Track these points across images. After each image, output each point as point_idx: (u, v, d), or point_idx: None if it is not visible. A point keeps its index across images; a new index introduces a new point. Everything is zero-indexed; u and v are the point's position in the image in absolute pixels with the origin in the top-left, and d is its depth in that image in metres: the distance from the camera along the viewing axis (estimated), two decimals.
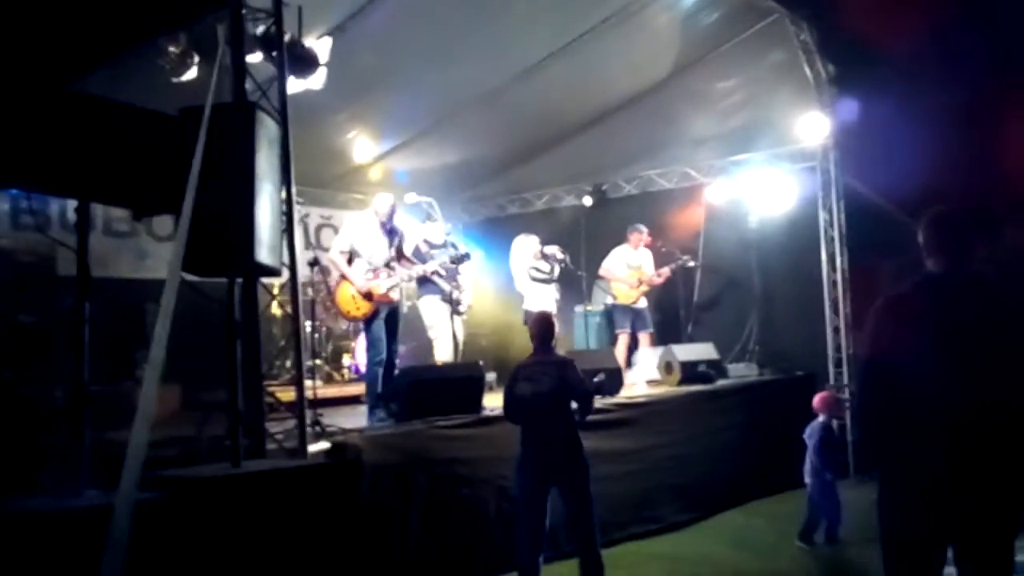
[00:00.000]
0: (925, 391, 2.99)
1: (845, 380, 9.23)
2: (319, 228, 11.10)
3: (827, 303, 9.43)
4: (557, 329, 5.70)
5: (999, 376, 2.95)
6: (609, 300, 9.50)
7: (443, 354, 7.66)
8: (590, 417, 6.40)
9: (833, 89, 9.29)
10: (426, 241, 7.86)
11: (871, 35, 9.23)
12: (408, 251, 7.43)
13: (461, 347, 7.90)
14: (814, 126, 9.40)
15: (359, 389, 8.91)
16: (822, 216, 9.55)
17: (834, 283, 9.44)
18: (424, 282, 7.69)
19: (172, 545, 3.67)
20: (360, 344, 9.55)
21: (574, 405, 5.20)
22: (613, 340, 9.38)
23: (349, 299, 6.83)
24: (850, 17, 9.11)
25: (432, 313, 7.76)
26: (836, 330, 9.37)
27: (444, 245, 7.73)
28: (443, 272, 7.57)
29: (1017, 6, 8.83)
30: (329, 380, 9.16)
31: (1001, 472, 2.96)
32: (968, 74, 8.86)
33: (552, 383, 5.09)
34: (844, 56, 9.26)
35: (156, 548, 3.46)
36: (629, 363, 9.00)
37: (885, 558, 3.17)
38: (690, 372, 8.44)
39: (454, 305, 7.58)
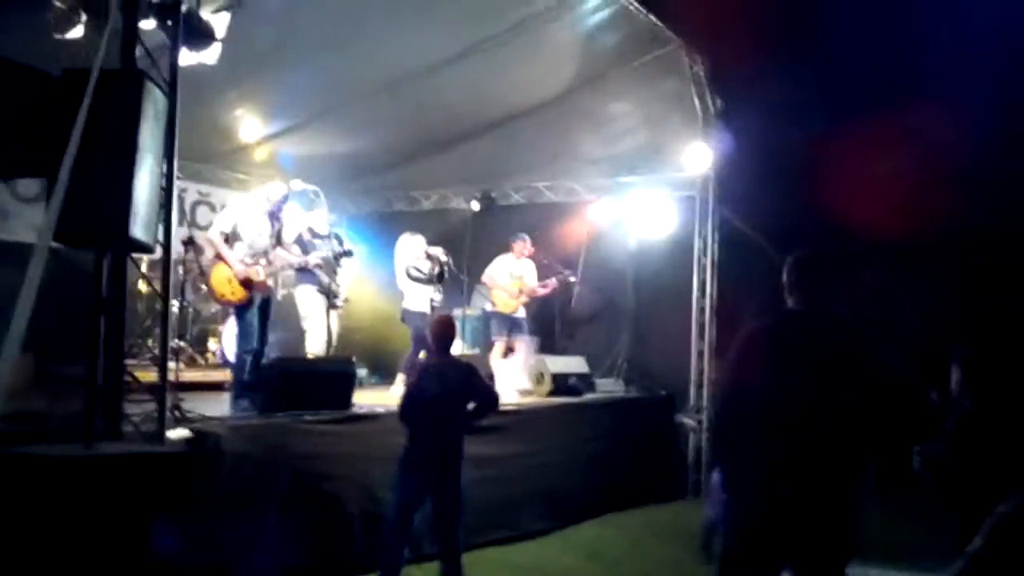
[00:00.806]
0: (770, 419, 3.19)
1: (704, 403, 9.59)
2: (196, 204, 10.74)
3: (694, 328, 9.78)
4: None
5: (839, 409, 3.15)
6: (488, 306, 9.56)
7: (315, 346, 7.53)
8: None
9: (718, 122, 9.66)
10: (310, 230, 7.72)
11: (755, 74, 9.67)
12: (290, 238, 7.27)
13: (335, 341, 7.80)
14: (697, 156, 9.74)
15: (223, 375, 8.64)
16: (697, 244, 9.91)
17: (702, 309, 9.80)
18: (302, 271, 7.54)
19: (12, 526, 3.47)
20: (228, 329, 9.28)
21: (469, 406, 5.24)
22: (489, 346, 9.45)
23: (224, 282, 6.62)
24: (739, 55, 9.52)
25: (308, 304, 7.61)
26: (700, 354, 9.72)
27: (328, 236, 7.62)
28: (323, 263, 7.45)
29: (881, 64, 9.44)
30: (192, 363, 8.87)
31: (835, 497, 3.17)
32: (832, 115, 9.40)
33: (455, 387, 5.14)
34: (731, 92, 9.66)
35: None
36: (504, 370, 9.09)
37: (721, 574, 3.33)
38: (561, 384, 8.60)
39: (331, 298, 7.49)
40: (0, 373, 2.33)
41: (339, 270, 7.69)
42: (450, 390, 5.12)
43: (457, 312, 9.48)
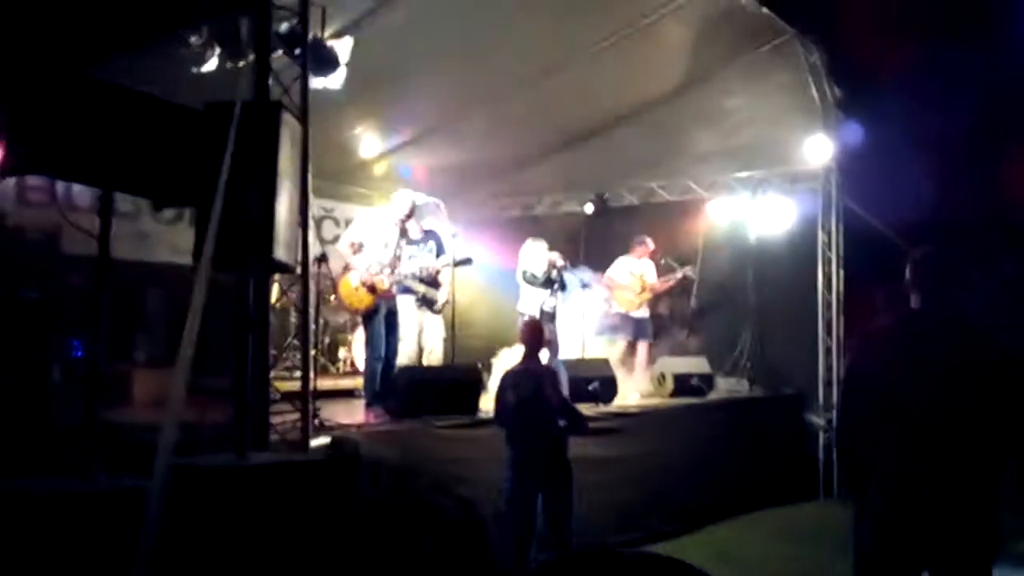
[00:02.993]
0: (892, 423, 3.12)
1: (834, 401, 9.34)
2: (321, 219, 11.14)
3: (820, 324, 9.54)
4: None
5: (963, 411, 3.05)
6: (610, 308, 9.57)
7: (404, 357, 7.42)
8: None
9: (838, 112, 9.40)
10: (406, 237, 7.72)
11: (878, 61, 9.38)
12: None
13: (439, 348, 7.84)
14: (818, 148, 9.50)
15: (354, 383, 8.98)
16: (821, 238, 9.66)
17: (828, 304, 9.56)
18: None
19: (178, 533, 3.73)
20: (358, 338, 9.62)
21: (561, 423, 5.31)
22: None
23: (352, 291, 6.89)
24: (859, 42, 9.25)
25: (403, 315, 7.43)
26: (828, 351, 9.48)
27: (421, 240, 7.59)
28: (420, 272, 7.45)
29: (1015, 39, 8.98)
30: (324, 372, 9.22)
31: (973, 498, 3.06)
32: (969, 103, 9.01)
33: (529, 392, 5.23)
34: (851, 80, 9.39)
35: (163, 535, 3.52)
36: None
37: None
38: (682, 385, 8.55)
39: (429, 304, 7.54)
40: (174, 392, 2.53)
41: (439, 275, 7.64)
42: (526, 395, 5.21)
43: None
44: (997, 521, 3.10)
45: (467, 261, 7.63)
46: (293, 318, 8.94)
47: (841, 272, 9.53)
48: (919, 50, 9.08)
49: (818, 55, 9.09)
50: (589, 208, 11.06)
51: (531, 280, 8.63)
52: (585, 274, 9.03)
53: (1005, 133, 8.49)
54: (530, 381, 5.27)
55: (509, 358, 8.07)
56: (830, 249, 9.61)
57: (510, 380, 5.36)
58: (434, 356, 7.80)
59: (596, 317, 9.45)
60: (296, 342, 8.11)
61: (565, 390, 5.53)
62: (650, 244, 9.64)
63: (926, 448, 3.07)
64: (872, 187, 9.22)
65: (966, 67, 9.16)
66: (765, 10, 8.16)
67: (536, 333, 5.54)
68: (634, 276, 9.49)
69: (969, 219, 8.67)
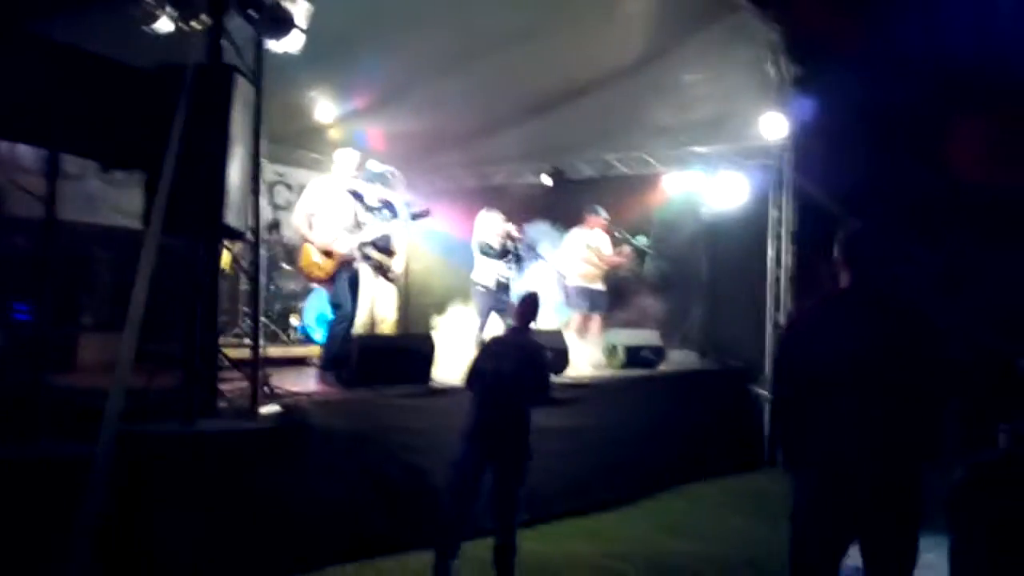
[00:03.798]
0: (828, 400, 3.20)
1: None
2: (273, 184, 10.97)
3: (769, 299, 9.70)
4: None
5: (890, 385, 3.15)
6: (567, 279, 9.61)
7: (357, 327, 7.39)
8: None
9: (794, 90, 9.50)
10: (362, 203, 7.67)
11: (832, 38, 9.47)
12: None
13: (393, 315, 7.79)
14: (773, 125, 9.61)
15: (304, 351, 8.93)
16: (772, 214, 9.79)
17: (778, 280, 9.71)
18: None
19: (124, 500, 3.70)
20: (309, 305, 9.55)
21: None
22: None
23: (311, 261, 6.82)
24: (813, 19, 9.32)
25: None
26: (776, 325, 9.64)
27: (379, 208, 7.56)
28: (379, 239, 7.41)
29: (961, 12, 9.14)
30: (275, 340, 9.14)
31: (900, 469, 3.18)
32: (918, 82, 9.16)
33: (516, 365, 5.15)
34: (807, 58, 9.48)
35: (109, 502, 3.49)
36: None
37: (792, 551, 3.36)
38: (633, 356, 8.65)
39: (384, 272, 7.52)
40: (120, 360, 2.50)
41: (393, 242, 7.59)
42: (511, 367, 5.13)
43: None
44: (922, 491, 3.21)
45: (425, 213, 7.59)
46: (244, 284, 8.85)
47: (791, 248, 9.67)
48: (871, 28, 9.19)
49: (776, 32, 9.15)
50: (547, 180, 11.07)
51: (487, 251, 8.62)
52: (539, 246, 9.03)
53: (951, 112, 8.65)
54: (516, 354, 5.20)
55: (456, 317, 8.08)
56: (780, 225, 9.74)
57: (492, 348, 5.30)
58: (387, 325, 7.78)
59: (550, 288, 9.48)
60: (247, 309, 8.05)
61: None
62: (603, 215, 9.67)
63: (854, 422, 3.16)
64: (824, 164, 9.35)
65: (915, 45, 9.30)
66: None
67: (531, 305, 5.44)
68: (588, 248, 9.53)
69: (917, 196, 8.84)
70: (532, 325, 5.50)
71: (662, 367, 9.00)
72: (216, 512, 4.18)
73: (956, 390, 3.33)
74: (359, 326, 7.26)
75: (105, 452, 2.35)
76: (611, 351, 8.80)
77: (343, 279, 6.79)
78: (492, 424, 5.10)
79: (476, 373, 5.25)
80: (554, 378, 7.32)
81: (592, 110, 10.11)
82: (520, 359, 5.18)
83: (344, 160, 7.01)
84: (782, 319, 9.60)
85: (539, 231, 9.29)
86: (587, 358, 8.83)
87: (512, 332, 5.47)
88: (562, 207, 10.24)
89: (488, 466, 5.08)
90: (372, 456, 5.61)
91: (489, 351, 5.31)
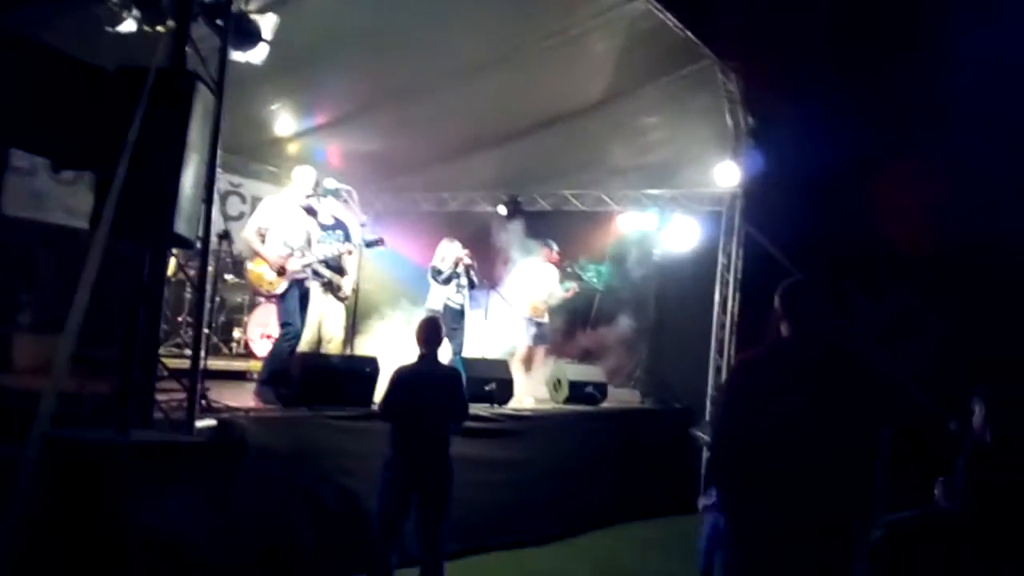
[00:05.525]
0: (763, 450, 3.22)
1: None
2: (227, 194, 10.87)
3: (713, 343, 9.83)
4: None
5: (828, 439, 3.17)
6: (513, 310, 9.63)
7: (303, 344, 7.41)
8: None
9: (749, 140, 9.71)
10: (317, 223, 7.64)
11: (786, 93, 9.72)
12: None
13: (339, 335, 7.74)
14: (726, 173, 9.79)
15: (245, 365, 8.81)
16: (720, 260, 9.96)
17: (723, 325, 9.86)
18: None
19: (48, 506, 3.59)
20: (254, 320, 9.43)
21: None
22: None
23: (260, 276, 6.75)
24: (772, 74, 9.56)
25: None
26: (718, 369, 9.78)
27: (332, 227, 7.53)
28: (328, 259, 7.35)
29: (909, 89, 9.46)
30: (216, 352, 8.99)
31: (834, 528, 3.19)
32: (865, 140, 9.44)
33: (433, 395, 5.17)
34: (763, 110, 9.71)
35: (33, 508, 3.38)
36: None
37: None
38: (577, 392, 8.68)
39: (334, 291, 7.47)
40: (56, 364, 2.44)
41: (344, 261, 7.57)
42: (430, 396, 5.14)
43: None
44: (853, 547, 3.26)
45: (379, 242, 7.57)
46: (188, 293, 8.70)
47: (737, 295, 9.84)
48: (826, 88, 9.46)
49: (735, 83, 9.37)
50: (502, 210, 11.12)
51: (434, 276, 8.63)
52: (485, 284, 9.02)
53: (892, 172, 8.92)
54: (424, 382, 5.20)
55: (404, 340, 8.02)
56: (728, 271, 9.92)
57: (403, 379, 5.24)
58: (334, 344, 7.71)
59: (499, 318, 9.49)
60: (190, 319, 7.91)
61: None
62: (554, 249, 9.74)
63: (789, 473, 3.17)
64: (774, 215, 9.55)
65: (865, 105, 9.59)
66: (689, 34, 8.36)
67: (433, 331, 5.42)
68: (537, 281, 9.57)
69: (861, 255, 9.07)
70: (437, 350, 5.45)
71: (605, 404, 9.03)
72: (142, 525, 4.07)
73: (889, 422, 3.37)
74: (305, 344, 7.18)
75: (32, 455, 2.28)
76: (555, 385, 8.82)
77: (294, 296, 6.72)
78: (413, 454, 5.08)
79: (392, 403, 5.22)
80: (497, 409, 7.35)
81: (552, 145, 10.22)
82: (434, 387, 5.18)
83: (302, 177, 6.97)
84: (724, 364, 9.73)
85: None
86: (531, 390, 8.85)
87: (421, 360, 5.37)
88: (516, 237, 10.28)
89: (412, 495, 5.06)
90: (307, 477, 5.53)
91: (402, 381, 5.23)
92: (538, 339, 9.50)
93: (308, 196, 6.96)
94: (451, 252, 8.65)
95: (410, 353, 5.55)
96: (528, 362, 9.41)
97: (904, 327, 8.88)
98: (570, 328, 10.43)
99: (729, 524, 3.43)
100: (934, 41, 9.03)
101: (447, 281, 8.58)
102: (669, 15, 8.04)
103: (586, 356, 10.19)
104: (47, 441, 3.87)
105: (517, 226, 10.60)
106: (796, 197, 9.60)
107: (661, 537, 7.94)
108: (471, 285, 8.70)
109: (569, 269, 9.96)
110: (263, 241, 6.75)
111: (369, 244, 7.54)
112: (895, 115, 9.57)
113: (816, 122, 9.55)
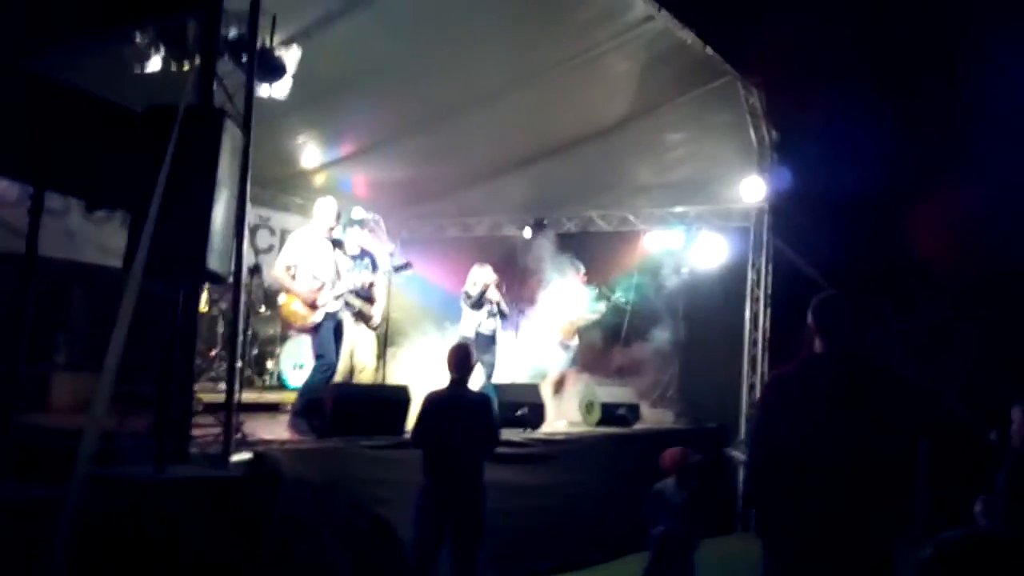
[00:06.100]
0: (801, 468, 3.17)
1: None
2: (255, 228, 10.96)
3: (746, 361, 9.74)
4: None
5: (870, 455, 3.13)
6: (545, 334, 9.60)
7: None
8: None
9: (774, 155, 9.68)
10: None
11: (813, 108, 9.68)
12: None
13: (370, 364, 7.75)
14: (752, 188, 9.75)
15: (278, 397, 8.84)
16: (750, 276, 9.89)
17: (754, 342, 9.77)
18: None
19: (90, 546, 3.61)
20: (286, 352, 9.47)
21: None
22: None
23: (295, 311, 6.78)
24: (796, 89, 9.53)
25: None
26: (751, 387, 9.68)
27: (360, 256, 7.55)
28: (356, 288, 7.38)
29: (938, 101, 9.38)
30: (249, 385, 9.02)
31: (872, 546, 3.14)
32: (897, 154, 9.36)
33: (464, 422, 5.16)
34: (788, 125, 9.68)
35: (75, 548, 3.40)
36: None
37: None
38: (610, 414, 8.62)
39: (365, 320, 7.49)
40: (96, 403, 2.46)
41: (374, 290, 7.60)
42: (460, 424, 5.14)
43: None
44: (893, 566, 3.20)
45: (407, 266, 7.60)
46: (221, 327, 8.77)
47: (768, 311, 9.75)
48: (852, 101, 9.41)
49: (757, 98, 9.35)
50: (528, 233, 11.11)
51: (465, 300, 8.64)
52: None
53: (925, 189, 8.83)
54: (462, 411, 5.19)
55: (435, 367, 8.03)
56: (758, 288, 9.84)
57: (434, 406, 5.24)
58: (366, 373, 7.73)
59: (529, 342, 9.48)
60: (223, 352, 7.96)
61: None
62: (582, 270, 9.72)
63: (827, 490, 3.13)
64: (802, 230, 9.49)
65: (895, 120, 9.52)
66: (709, 50, 8.36)
67: (463, 358, 5.41)
68: (566, 303, 9.54)
69: (892, 267, 8.97)
70: (468, 377, 5.45)
71: (637, 425, 8.96)
72: (183, 561, 4.08)
73: (926, 435, 3.33)
74: (337, 373, 7.20)
75: (75, 495, 2.29)
76: (587, 408, 8.78)
77: (328, 328, 6.75)
78: (446, 481, 5.08)
79: (423, 431, 5.21)
80: (530, 434, 7.32)
81: (576, 166, 10.24)
82: (464, 413, 5.17)
83: (324, 210, 7.00)
84: (758, 381, 9.64)
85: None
86: (563, 414, 8.81)
87: (452, 386, 5.37)
88: (543, 260, 10.27)
89: (447, 523, 5.04)
90: (342, 507, 5.52)
91: (433, 408, 5.24)
92: (569, 362, 9.47)
93: (331, 227, 7.00)
94: (481, 277, 8.67)
95: (441, 379, 5.56)
96: (559, 385, 9.36)
97: (938, 340, 8.75)
98: (601, 349, 10.38)
99: (767, 542, 3.38)
100: (962, 52, 8.97)
101: (477, 306, 8.59)
102: (689, 32, 8.06)
103: (617, 376, 10.12)
104: (89, 480, 3.91)
105: (544, 248, 10.60)
106: (824, 211, 9.53)
107: (699, 559, 7.81)
108: (502, 315, 8.69)
109: (597, 290, 9.92)
110: (294, 278, 6.79)
111: (397, 269, 7.58)
112: (922, 127, 9.50)
113: (842, 135, 9.50)
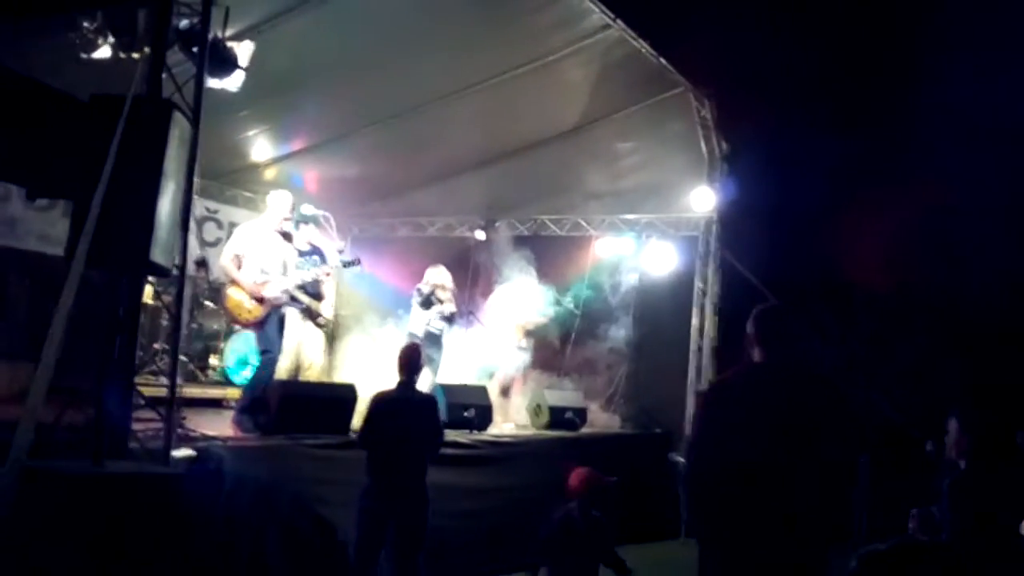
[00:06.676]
0: (739, 473, 3.21)
1: None
2: (203, 220, 10.79)
3: (691, 368, 9.85)
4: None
5: (803, 461, 3.18)
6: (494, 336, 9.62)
7: (281, 372, 7.24)
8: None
9: (724, 166, 9.81)
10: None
11: (760, 121, 9.86)
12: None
13: (320, 360, 7.70)
14: (702, 198, 9.86)
15: (222, 392, 8.71)
16: (697, 285, 10.01)
17: (700, 349, 9.88)
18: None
19: (21, 540, 3.52)
20: (230, 345, 9.33)
21: None
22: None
23: (240, 303, 6.66)
24: (745, 102, 9.70)
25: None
26: (697, 394, 9.78)
27: (309, 253, 7.50)
28: (305, 284, 7.31)
29: (885, 120, 9.62)
30: (193, 379, 8.90)
31: (807, 554, 3.19)
32: (840, 170, 9.58)
33: (410, 423, 5.16)
34: (738, 137, 9.83)
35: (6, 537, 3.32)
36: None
37: None
38: (557, 417, 8.66)
39: (313, 317, 7.43)
40: (33, 394, 2.41)
41: (323, 287, 7.54)
42: (407, 424, 5.14)
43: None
44: (827, 571, 3.25)
45: (355, 262, 7.55)
46: (164, 320, 8.61)
47: (715, 319, 9.87)
48: (801, 116, 9.61)
49: (709, 109, 9.47)
50: (480, 235, 11.14)
51: (416, 297, 8.62)
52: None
53: (868, 204, 9.04)
54: (401, 410, 5.18)
55: (382, 364, 8.00)
56: (705, 296, 9.97)
57: (381, 406, 5.22)
58: (313, 370, 7.65)
59: (479, 343, 9.49)
60: (166, 345, 7.82)
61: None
62: (533, 274, 9.76)
63: (762, 498, 3.17)
64: (749, 241, 9.64)
65: (842, 136, 9.74)
66: (663, 61, 8.45)
67: (414, 359, 5.41)
68: (516, 305, 9.57)
69: (833, 280, 9.18)
70: (416, 377, 5.45)
71: (585, 429, 9.01)
72: (117, 557, 4.00)
73: (862, 451, 3.39)
74: (284, 370, 7.12)
75: (8, 487, 2.24)
76: (536, 410, 8.80)
77: (272, 323, 6.66)
78: (389, 482, 5.06)
79: (369, 431, 5.20)
80: (476, 435, 7.32)
81: (529, 171, 10.29)
82: (411, 414, 5.16)
83: (277, 203, 6.92)
84: (702, 388, 9.74)
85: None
86: (511, 416, 8.82)
87: (400, 387, 5.36)
88: (495, 262, 10.29)
89: (388, 525, 5.02)
90: (284, 506, 5.46)
91: (380, 408, 5.22)
92: (517, 364, 9.48)
93: (285, 220, 6.92)
94: (433, 278, 8.66)
95: (389, 379, 5.53)
96: (508, 387, 9.38)
97: (876, 351, 8.96)
98: (550, 352, 10.42)
99: (702, 550, 3.41)
100: (913, 71, 9.20)
101: (426, 305, 8.56)
102: (643, 42, 8.14)
103: (565, 380, 10.18)
104: (22, 472, 3.82)
105: (496, 251, 10.62)
106: (770, 223, 9.71)
107: (642, 563, 7.85)
108: (447, 319, 8.67)
109: (548, 294, 9.96)
110: (239, 267, 6.68)
111: (347, 264, 7.53)
112: (868, 144, 9.74)
113: (791, 149, 9.68)
